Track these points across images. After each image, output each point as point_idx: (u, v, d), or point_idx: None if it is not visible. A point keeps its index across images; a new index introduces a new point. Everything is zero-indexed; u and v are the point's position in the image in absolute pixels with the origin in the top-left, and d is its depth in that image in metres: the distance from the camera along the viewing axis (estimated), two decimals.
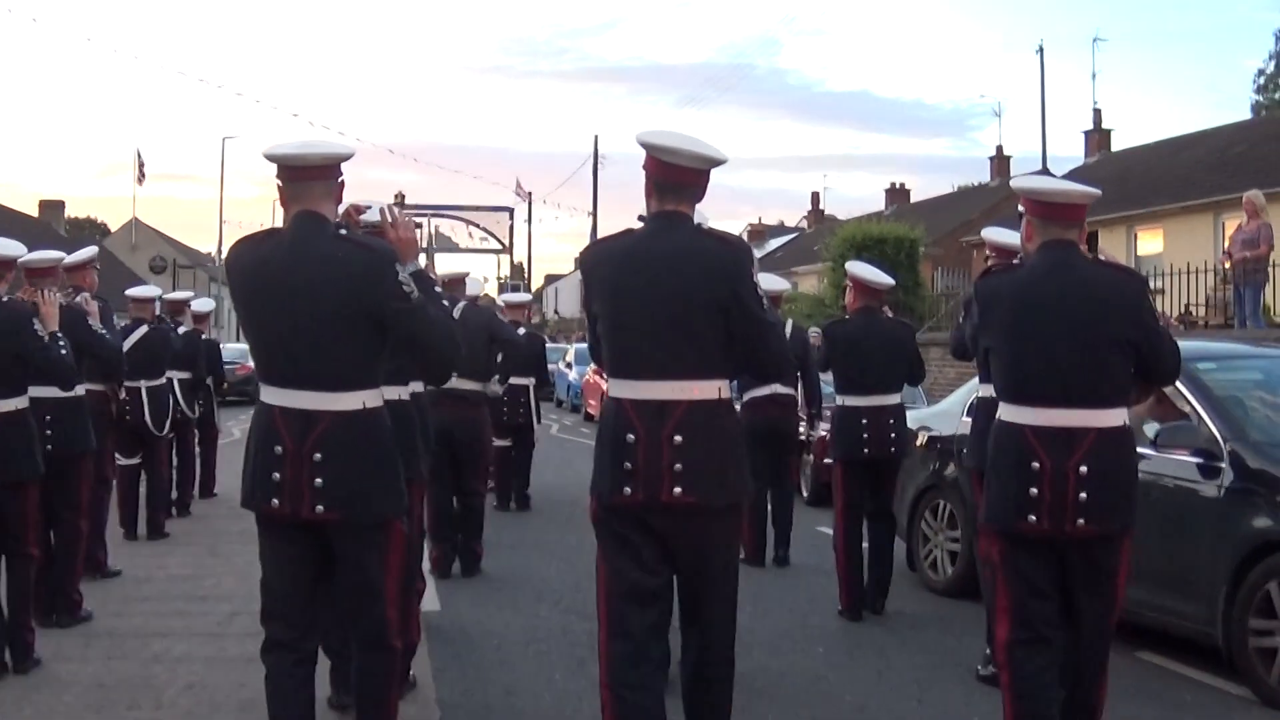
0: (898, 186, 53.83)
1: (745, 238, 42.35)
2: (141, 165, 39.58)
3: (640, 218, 4.82)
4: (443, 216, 58.78)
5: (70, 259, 9.51)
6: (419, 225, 5.19)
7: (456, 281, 10.51)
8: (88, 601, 8.45)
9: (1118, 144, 40.38)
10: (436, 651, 7.59)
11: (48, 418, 7.72)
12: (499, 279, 63.08)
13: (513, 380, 13.72)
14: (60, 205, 51.99)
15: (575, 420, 30.97)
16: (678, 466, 4.49)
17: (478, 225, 60.41)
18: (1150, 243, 29.86)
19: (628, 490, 4.55)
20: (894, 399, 8.86)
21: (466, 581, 10.04)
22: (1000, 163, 47.41)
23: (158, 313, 12.73)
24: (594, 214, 56.95)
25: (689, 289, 4.53)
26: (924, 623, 8.70)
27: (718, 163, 4.70)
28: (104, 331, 8.47)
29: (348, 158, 4.75)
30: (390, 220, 5.08)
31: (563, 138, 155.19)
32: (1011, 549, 5.04)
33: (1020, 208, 5.37)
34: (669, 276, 4.55)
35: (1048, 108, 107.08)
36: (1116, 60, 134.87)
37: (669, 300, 4.54)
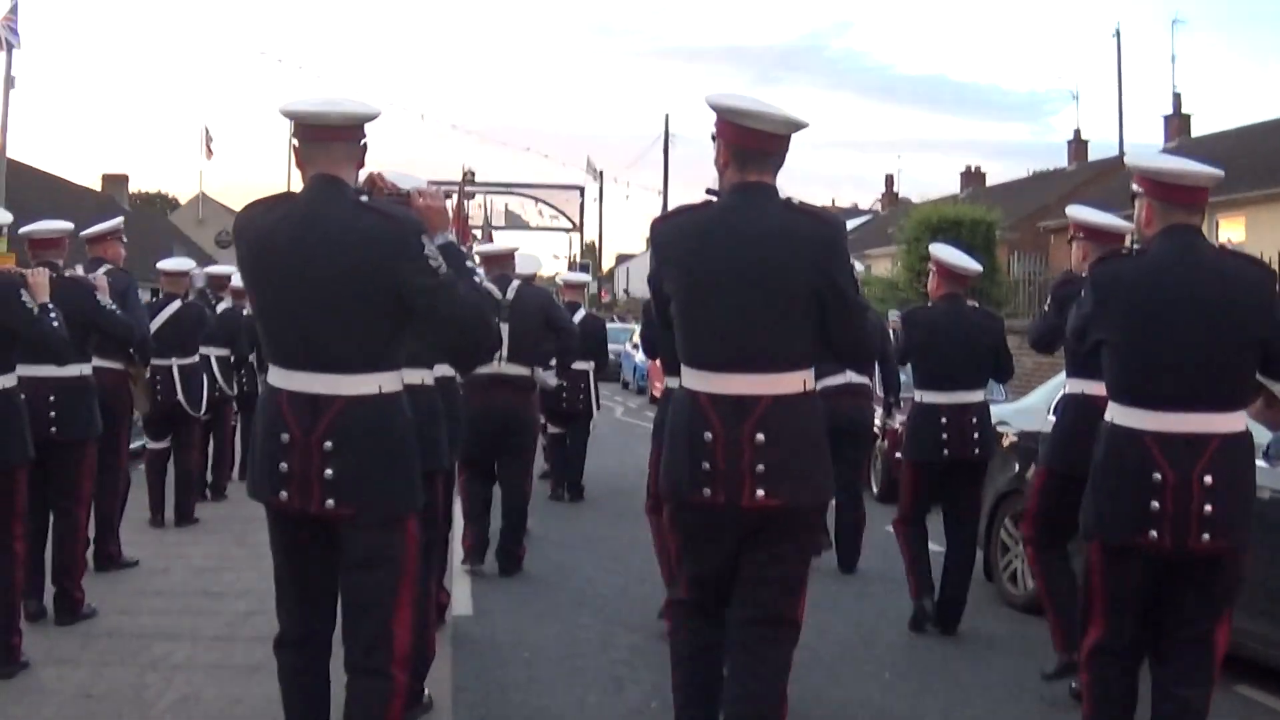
0: (973, 170, 52.38)
1: None
2: (209, 140, 39.15)
3: (709, 191, 4.52)
4: (512, 194, 58.41)
5: (92, 230, 8.99)
6: (449, 196, 4.59)
7: (504, 258, 9.63)
8: (97, 593, 7.92)
9: (1198, 129, 39.46)
10: (461, 664, 6.90)
11: (50, 398, 7.22)
12: (569, 258, 62.65)
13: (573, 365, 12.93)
14: (124, 179, 51.55)
15: (640, 403, 30.29)
16: (760, 467, 4.25)
17: (548, 203, 59.91)
18: (1231, 230, 29.04)
19: (706, 492, 4.33)
20: (977, 396, 8.01)
21: (503, 583, 9.26)
22: (1078, 147, 46.21)
23: (200, 287, 12.18)
24: (664, 193, 56.26)
25: (778, 272, 4.23)
26: (1002, 643, 7.85)
27: (801, 126, 4.37)
28: (112, 306, 7.80)
29: (372, 118, 4.29)
30: (417, 188, 4.52)
31: (634, 116, 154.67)
32: (1118, 561, 4.69)
33: (1135, 188, 4.84)
34: (755, 257, 4.24)
35: (1126, 92, 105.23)
36: (1196, 43, 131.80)
37: (755, 284, 4.24)
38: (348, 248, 4.03)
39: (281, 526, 4.32)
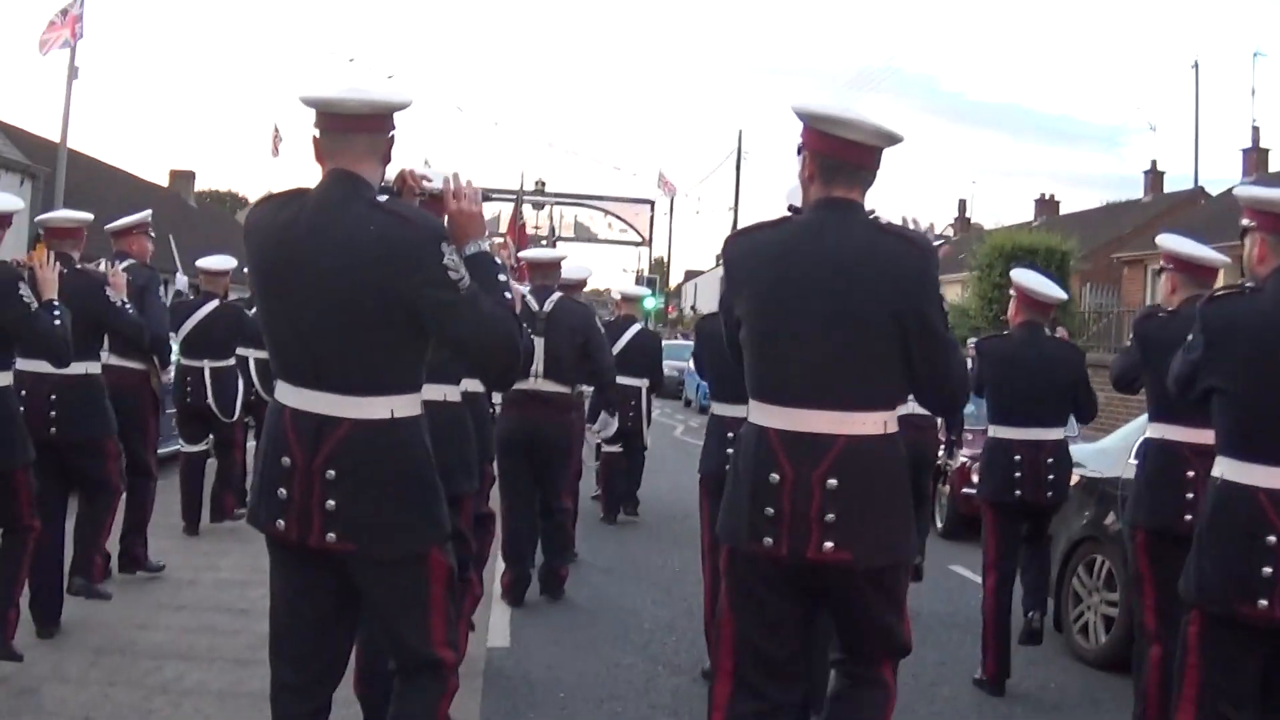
0: (1047, 197, 51.53)
1: None
2: (278, 138, 38.97)
3: (792, 208, 4.23)
4: (582, 205, 58.21)
5: (117, 224, 8.61)
6: (488, 199, 4.10)
7: (549, 266, 8.96)
8: (119, 603, 7.67)
9: (1275, 163, 38.32)
10: (491, 700, 6.45)
11: (51, 396, 6.86)
12: (636, 271, 62.29)
13: (624, 381, 12.38)
14: (190, 176, 51.59)
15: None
16: (830, 516, 3.80)
17: (618, 216, 59.63)
18: None
19: (768, 541, 3.87)
20: (1055, 434, 7.40)
21: (543, 612, 8.74)
22: (1154, 178, 45.43)
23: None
24: (735, 209, 55.75)
25: (864, 299, 3.82)
26: (1071, 702, 7.28)
27: (896, 139, 3.96)
28: (122, 302, 7.40)
29: (400, 107, 3.88)
30: (453, 189, 4.03)
31: (707, 132, 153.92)
32: (1221, 633, 4.19)
33: (1246, 221, 4.44)
34: (839, 281, 3.83)
35: (1203, 125, 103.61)
36: (1277, 76, 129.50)
37: (837, 311, 3.83)
38: (357, 254, 3.63)
39: (282, 559, 3.92)
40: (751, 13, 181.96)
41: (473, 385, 5.81)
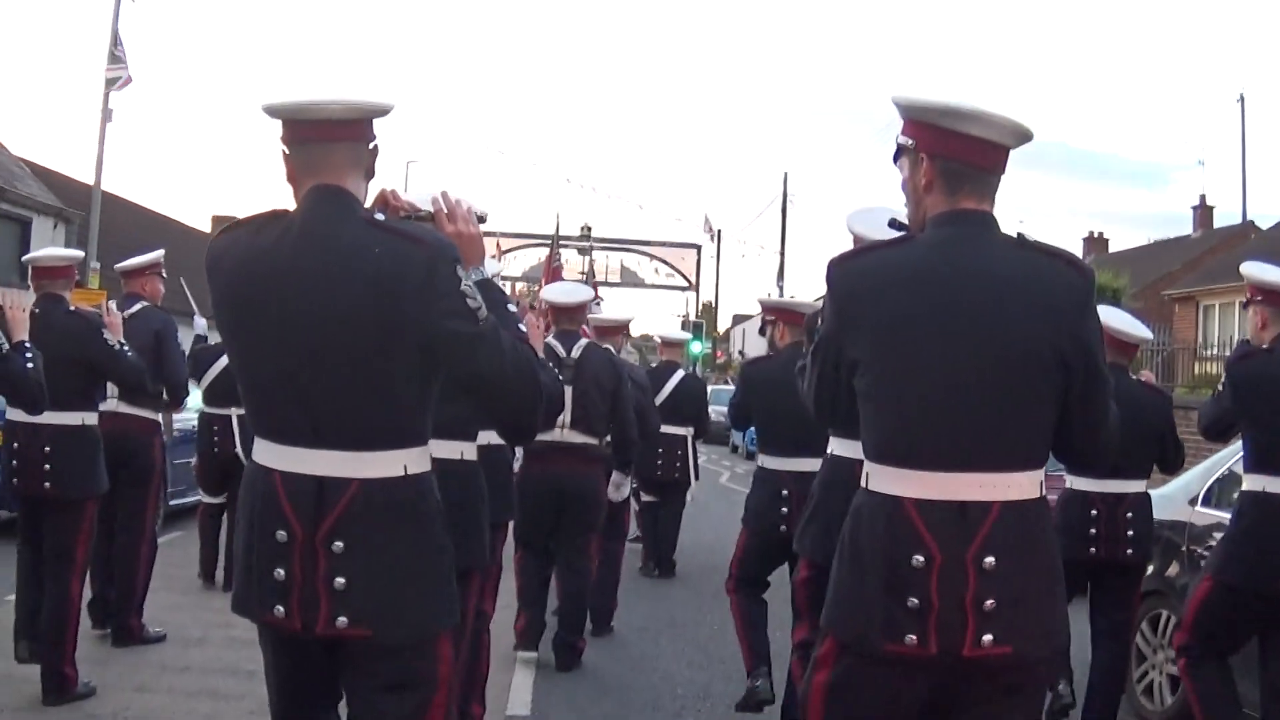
0: (1095, 235, 50.85)
1: None
2: None
3: (895, 224, 3.57)
4: (629, 250, 57.83)
5: (127, 263, 8.21)
6: (483, 219, 3.68)
7: (575, 310, 8.22)
8: (122, 663, 7.36)
9: None
10: None
11: (45, 448, 6.43)
12: (682, 316, 61.85)
13: (668, 429, 11.77)
14: (233, 221, 51.77)
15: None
16: (989, 603, 3.10)
17: (664, 261, 59.18)
18: None
19: (911, 639, 3.11)
20: (1137, 486, 6.74)
21: (567, 676, 8.14)
22: (1204, 213, 44.80)
23: None
24: (781, 253, 55.24)
25: (1022, 333, 3.17)
26: None
27: (1030, 137, 3.30)
28: (117, 345, 6.88)
29: (384, 111, 3.36)
30: (446, 210, 3.56)
31: (752, 175, 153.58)
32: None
33: (1249, 295, 4.57)
34: (990, 311, 3.17)
35: (1251, 158, 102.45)
36: None
37: (991, 348, 3.17)
38: (360, 281, 3.12)
39: (281, 652, 3.36)
40: (794, 54, 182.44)
41: (490, 437, 5.31)
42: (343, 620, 3.15)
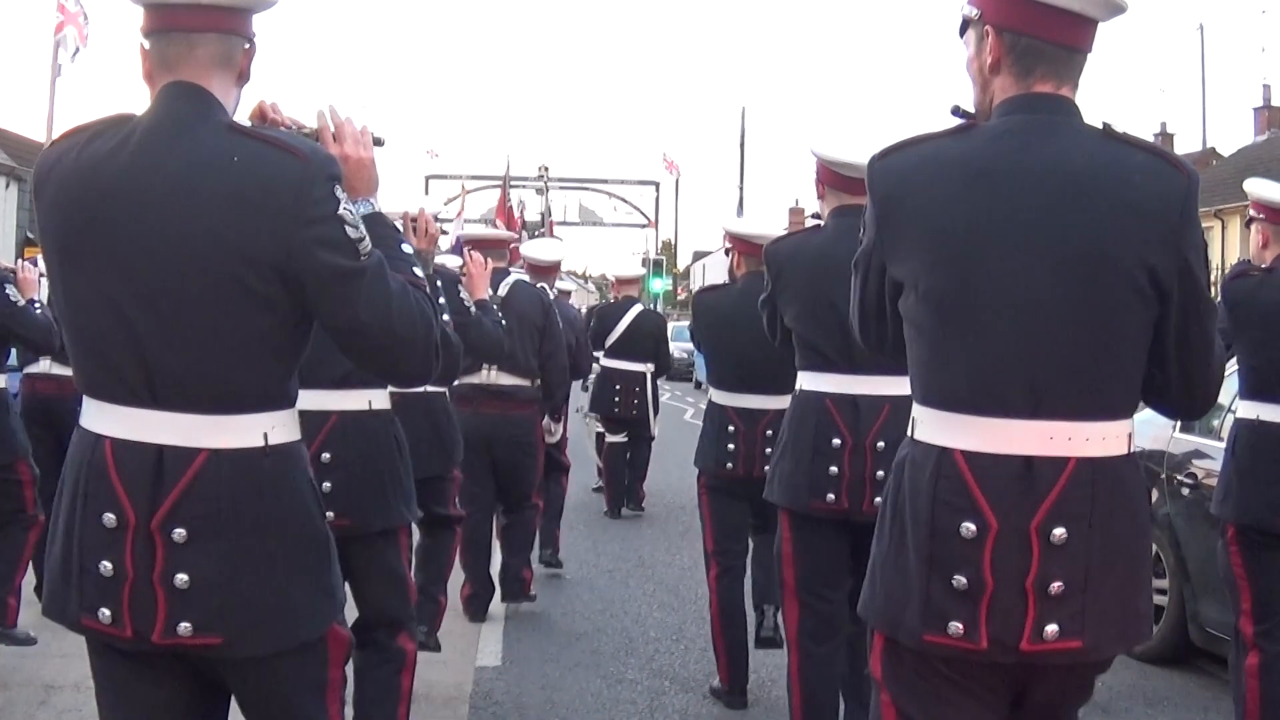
0: None
1: None
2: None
3: (958, 111, 2.89)
4: (586, 189, 57.47)
5: None
6: (380, 143, 3.04)
7: (498, 244, 7.92)
8: (70, 639, 6.74)
9: None
10: None
11: None
12: (643, 254, 61.61)
13: (626, 365, 11.79)
14: None
15: None
16: (1055, 586, 2.57)
17: (623, 199, 58.84)
18: None
19: (956, 628, 2.60)
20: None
21: (538, 623, 7.97)
22: (1164, 142, 44.56)
23: None
24: (741, 187, 54.99)
25: (1107, 241, 2.59)
26: (1122, 703, 6.54)
27: (1122, 8, 2.70)
28: (34, 301, 6.63)
29: (265, 5, 2.76)
30: (333, 129, 2.96)
31: (708, 111, 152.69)
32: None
33: (1251, 213, 4.56)
34: (1071, 215, 2.59)
35: (1211, 86, 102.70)
36: None
37: (1071, 262, 2.59)
38: (211, 197, 2.55)
39: (111, 667, 2.75)
40: None
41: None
42: (185, 626, 2.58)
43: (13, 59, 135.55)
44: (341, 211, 2.62)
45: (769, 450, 5.85)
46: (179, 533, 2.56)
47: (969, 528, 2.58)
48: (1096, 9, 2.69)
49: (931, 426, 2.68)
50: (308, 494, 2.74)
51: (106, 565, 2.58)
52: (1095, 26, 2.73)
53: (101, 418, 2.65)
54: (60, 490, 2.72)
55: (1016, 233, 2.60)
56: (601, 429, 12.58)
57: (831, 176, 4.77)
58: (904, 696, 2.73)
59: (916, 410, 2.75)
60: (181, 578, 2.56)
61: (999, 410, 2.60)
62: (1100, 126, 2.71)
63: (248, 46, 2.77)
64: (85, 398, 2.70)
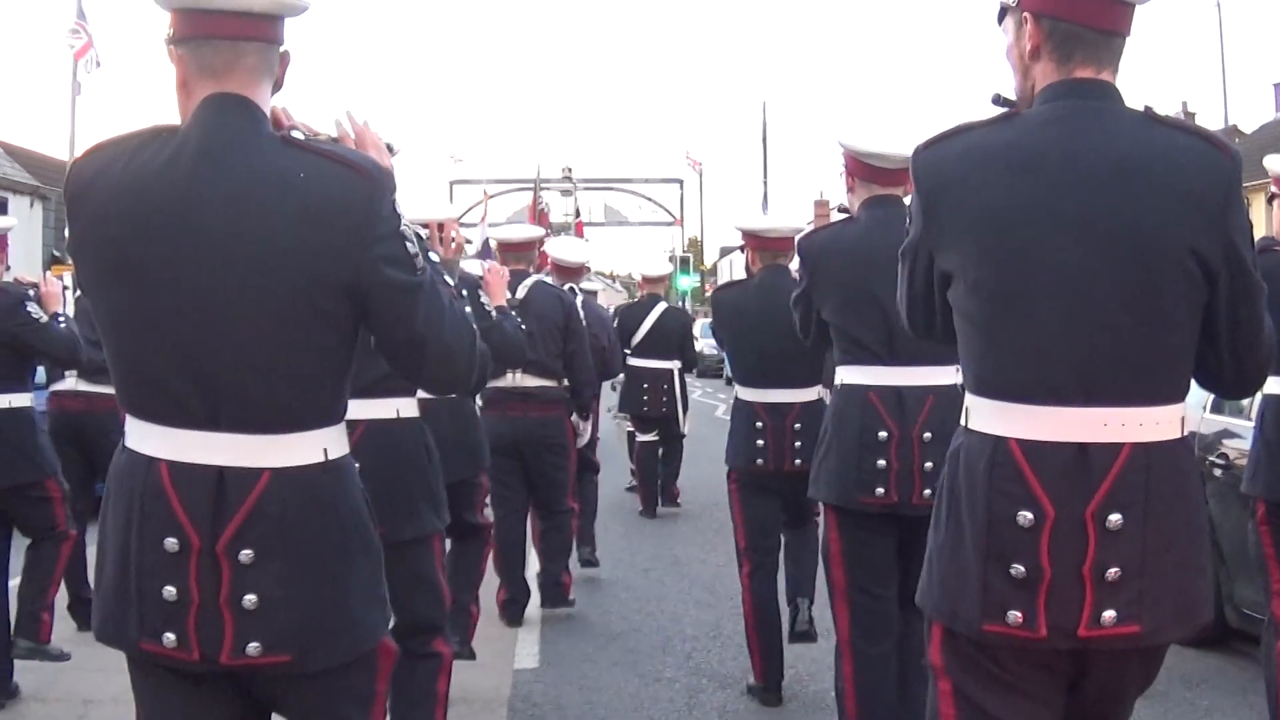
0: None
1: None
2: None
3: (1000, 99, 2.90)
4: (611, 189, 57.51)
5: None
6: (392, 151, 3.00)
7: (523, 247, 7.89)
8: (91, 657, 6.79)
9: None
10: None
11: None
12: (669, 252, 61.68)
13: (652, 364, 11.78)
14: None
15: None
16: (1112, 571, 2.58)
17: (647, 198, 58.87)
18: None
19: (1015, 616, 2.60)
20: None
21: (575, 624, 8.01)
22: (1185, 118, 44.33)
23: None
24: (765, 182, 54.99)
25: (1156, 226, 2.60)
26: (1158, 686, 6.55)
27: None
28: (58, 316, 6.55)
29: (298, 10, 2.69)
30: (354, 135, 2.91)
31: (729, 107, 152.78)
32: None
33: (1273, 189, 4.39)
34: (1120, 202, 2.61)
35: (1230, 62, 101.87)
36: None
37: (1121, 247, 2.61)
38: (279, 213, 2.51)
39: (165, 690, 2.68)
40: None
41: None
42: (254, 646, 2.54)
43: (30, 78, 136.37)
44: (402, 228, 2.62)
45: (798, 443, 5.91)
46: (246, 554, 2.53)
47: (1026, 516, 2.59)
48: None
49: (985, 416, 2.70)
50: (363, 506, 2.73)
51: (170, 590, 2.53)
52: (1132, 10, 2.74)
53: (154, 440, 2.59)
54: (105, 513, 2.68)
55: (1067, 221, 2.61)
56: (632, 428, 12.62)
57: (861, 168, 4.74)
58: (966, 684, 2.75)
59: (969, 400, 2.76)
60: (250, 599, 2.53)
61: (1053, 398, 2.61)
62: (1143, 110, 2.72)
63: (283, 52, 2.72)
64: (132, 419, 2.64)
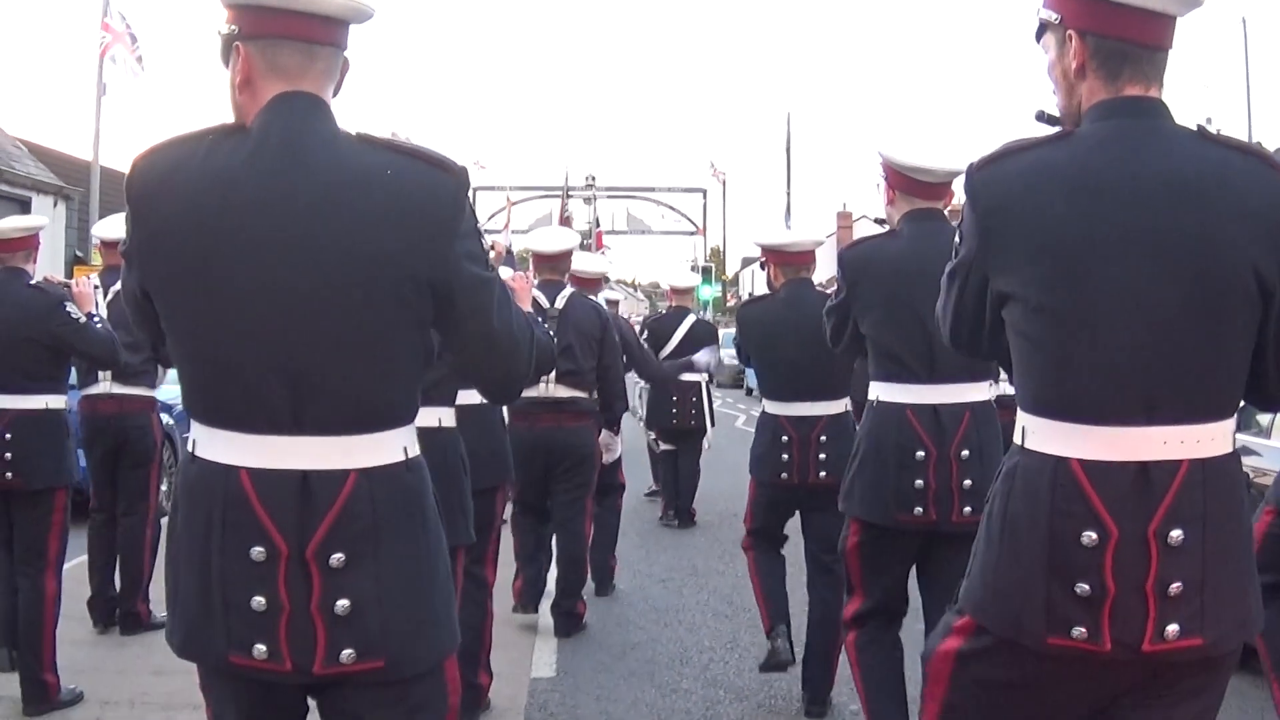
0: None
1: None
2: None
3: (1045, 116, 2.89)
4: (634, 198, 57.55)
5: (109, 233, 7.82)
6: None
7: (557, 258, 7.71)
8: (138, 646, 7.14)
9: None
10: None
11: (7, 435, 6.06)
12: (692, 261, 61.63)
13: (683, 376, 11.58)
14: None
15: None
16: (1174, 587, 2.58)
17: (670, 207, 58.89)
18: None
19: (1080, 632, 2.60)
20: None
21: (593, 634, 7.96)
22: None
23: None
24: (788, 192, 54.89)
25: (1218, 247, 2.59)
26: None
27: (1199, 2, 2.70)
28: (94, 315, 6.50)
29: (365, 16, 2.67)
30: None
31: (753, 118, 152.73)
32: None
33: None
34: (1180, 221, 2.59)
35: (1255, 80, 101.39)
36: None
37: (1183, 268, 2.58)
38: (367, 210, 2.50)
39: (249, 703, 2.67)
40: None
41: (472, 396, 5.07)
42: (348, 654, 2.51)
43: (56, 79, 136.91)
44: (478, 224, 2.65)
45: (823, 455, 5.92)
46: (337, 558, 2.50)
47: (1090, 536, 2.58)
48: (1176, 5, 2.67)
49: (1045, 436, 2.67)
50: (435, 506, 2.73)
51: (259, 600, 2.49)
52: (1174, 23, 2.71)
53: (231, 447, 2.54)
54: (175, 527, 2.64)
55: (1131, 243, 2.59)
56: (655, 436, 12.60)
57: (902, 181, 4.70)
58: (998, 704, 2.79)
59: (1026, 419, 2.73)
60: (343, 603, 2.50)
61: (1115, 419, 2.60)
62: (1195, 129, 2.71)
63: (345, 59, 2.72)
64: (205, 428, 2.59)
